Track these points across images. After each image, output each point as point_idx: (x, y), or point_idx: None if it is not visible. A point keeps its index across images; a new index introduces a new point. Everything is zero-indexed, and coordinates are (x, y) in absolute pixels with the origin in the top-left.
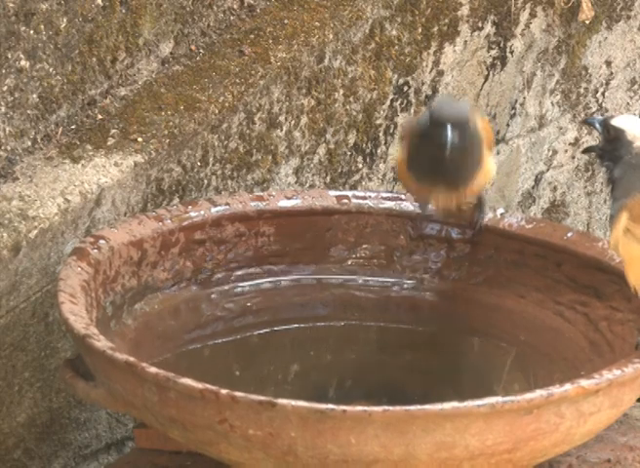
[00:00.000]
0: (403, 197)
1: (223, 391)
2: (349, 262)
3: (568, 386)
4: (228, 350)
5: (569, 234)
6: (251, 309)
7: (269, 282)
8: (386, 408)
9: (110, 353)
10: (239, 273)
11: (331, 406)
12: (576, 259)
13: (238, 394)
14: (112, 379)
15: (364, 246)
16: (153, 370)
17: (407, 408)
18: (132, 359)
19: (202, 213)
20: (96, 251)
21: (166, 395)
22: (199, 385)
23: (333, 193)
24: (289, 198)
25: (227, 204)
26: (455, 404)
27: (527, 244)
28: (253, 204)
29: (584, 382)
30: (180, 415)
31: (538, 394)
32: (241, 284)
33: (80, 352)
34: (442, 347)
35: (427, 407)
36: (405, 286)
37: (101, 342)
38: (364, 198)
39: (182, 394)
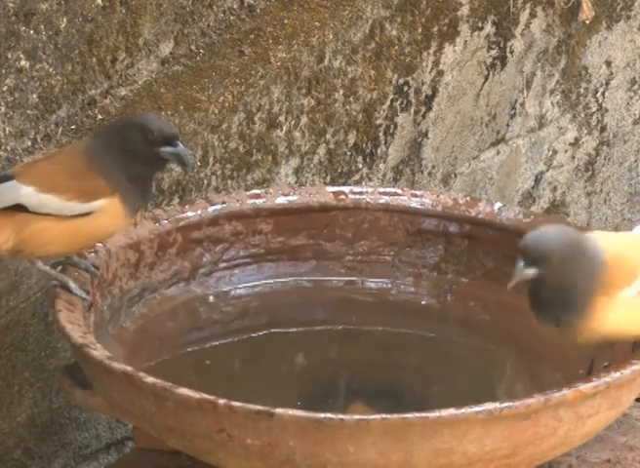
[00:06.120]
0: (400, 192)
1: (221, 401)
2: (348, 258)
3: (565, 390)
4: (226, 352)
5: None
6: (249, 310)
7: (267, 282)
8: (384, 416)
9: (108, 363)
10: (236, 271)
11: (329, 415)
12: None
13: (236, 404)
14: (110, 388)
15: (362, 241)
16: (150, 380)
17: (404, 415)
18: (129, 368)
19: (199, 212)
20: (92, 254)
21: (163, 405)
22: (196, 395)
23: (330, 189)
24: (286, 195)
25: (224, 202)
26: (452, 411)
27: None
28: (250, 202)
29: (582, 386)
30: (177, 425)
31: (535, 399)
32: (239, 283)
33: (78, 360)
34: (440, 344)
35: (425, 414)
36: (403, 282)
37: (99, 351)
38: (361, 193)
39: (180, 404)
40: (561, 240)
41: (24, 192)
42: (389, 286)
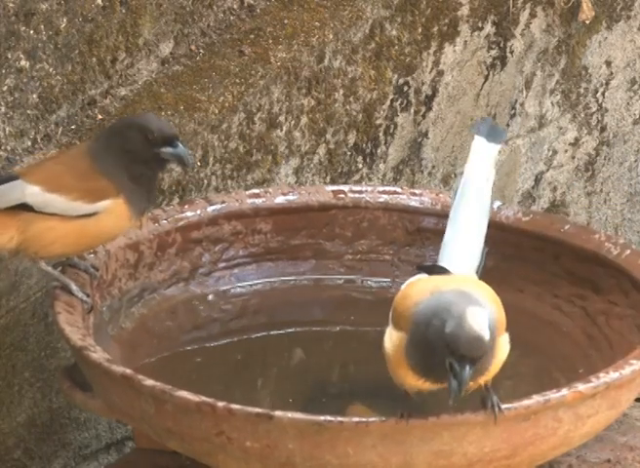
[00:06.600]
0: (399, 190)
1: (220, 404)
2: (347, 257)
3: (565, 391)
4: (224, 350)
5: (566, 227)
6: (248, 309)
7: (267, 281)
8: (383, 418)
9: (107, 365)
10: (236, 271)
11: (328, 417)
12: (573, 252)
13: (235, 406)
14: (109, 391)
15: (361, 240)
16: (150, 382)
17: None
18: (128, 371)
19: (198, 212)
20: (92, 255)
21: (162, 407)
22: (195, 398)
23: (329, 188)
24: (285, 194)
25: (223, 202)
26: (452, 413)
27: (524, 237)
28: (249, 201)
29: (582, 387)
30: (176, 428)
31: (535, 400)
32: (239, 283)
33: (77, 363)
34: None
35: (425, 416)
36: (403, 280)
37: (98, 354)
38: (360, 192)
39: (179, 406)
40: (487, 329)
41: (30, 191)
42: (389, 284)
